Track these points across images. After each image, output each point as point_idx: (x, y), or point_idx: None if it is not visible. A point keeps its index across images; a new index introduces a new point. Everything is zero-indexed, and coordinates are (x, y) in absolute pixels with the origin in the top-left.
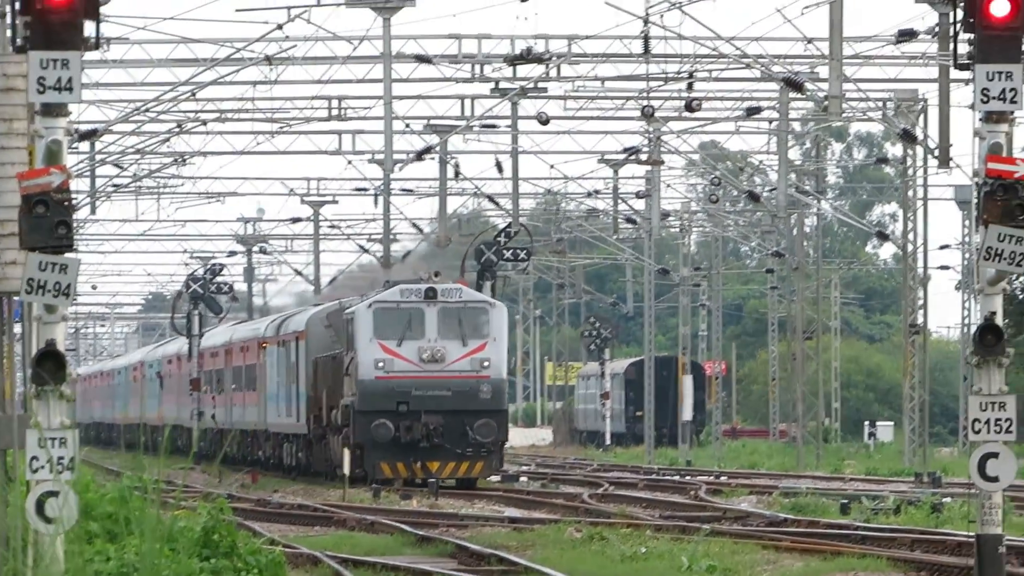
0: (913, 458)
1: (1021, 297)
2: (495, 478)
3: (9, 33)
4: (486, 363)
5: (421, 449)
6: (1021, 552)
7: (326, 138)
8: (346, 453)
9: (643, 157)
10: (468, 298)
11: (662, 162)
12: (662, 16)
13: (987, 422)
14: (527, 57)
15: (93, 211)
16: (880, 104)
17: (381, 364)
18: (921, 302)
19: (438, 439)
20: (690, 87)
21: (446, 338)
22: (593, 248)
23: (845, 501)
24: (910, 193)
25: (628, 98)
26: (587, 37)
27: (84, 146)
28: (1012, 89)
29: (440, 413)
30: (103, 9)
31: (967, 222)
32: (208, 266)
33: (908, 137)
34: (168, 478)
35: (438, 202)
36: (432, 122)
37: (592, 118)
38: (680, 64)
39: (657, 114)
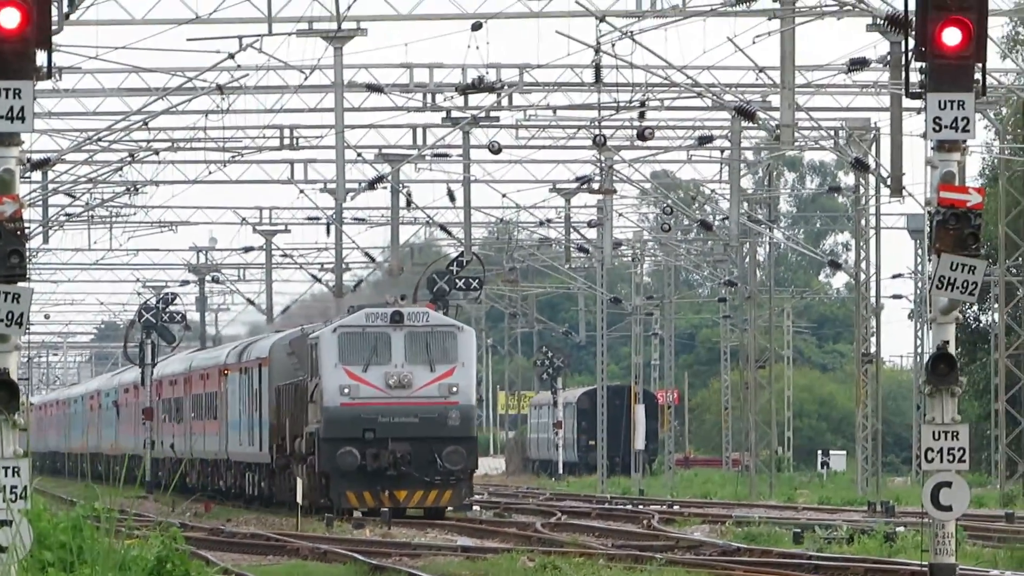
0: (866, 487)
1: (973, 326)
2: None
3: None
4: (455, 388)
5: (388, 477)
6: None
7: (278, 167)
8: (299, 482)
9: (595, 186)
10: (436, 322)
11: (614, 191)
12: (613, 45)
13: (940, 451)
14: (479, 86)
15: (46, 240)
16: (832, 133)
17: (347, 390)
18: (874, 331)
19: (406, 467)
20: (642, 116)
21: (413, 363)
22: (545, 277)
23: (798, 530)
24: (863, 222)
25: (580, 127)
26: (539, 66)
27: (37, 175)
28: (964, 118)
29: (408, 440)
30: (55, 39)
31: (920, 251)
32: (161, 295)
33: (860, 166)
34: (121, 507)
35: (390, 231)
36: (384, 151)
37: (544, 147)
38: (632, 93)
39: (609, 143)
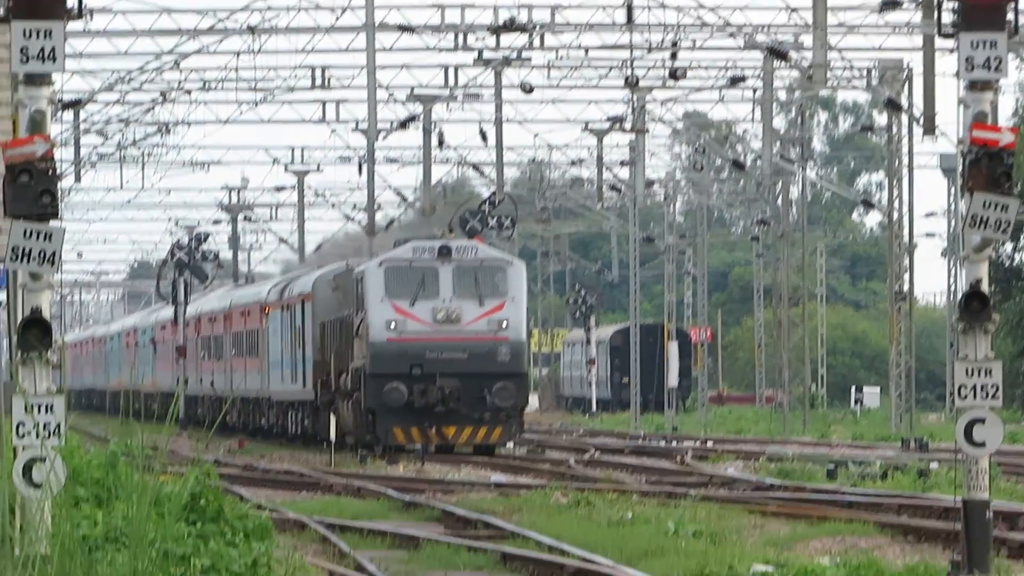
0: (899, 424)
1: (1007, 264)
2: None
3: None
4: (504, 324)
5: (436, 414)
6: (1008, 517)
7: (310, 107)
8: (332, 418)
9: (627, 126)
10: (485, 255)
11: (646, 130)
12: None
13: (973, 388)
14: (510, 26)
15: (78, 179)
16: (865, 73)
17: (393, 325)
18: (907, 269)
19: (454, 403)
20: (674, 56)
21: (462, 297)
22: (577, 216)
23: (831, 466)
24: (896, 161)
25: (612, 67)
26: (570, 6)
27: (68, 115)
28: (997, 57)
29: (456, 376)
30: None
31: (953, 190)
32: (193, 234)
33: (893, 106)
34: (155, 444)
35: (422, 171)
36: (416, 91)
37: (576, 87)
38: (664, 33)
39: (641, 83)
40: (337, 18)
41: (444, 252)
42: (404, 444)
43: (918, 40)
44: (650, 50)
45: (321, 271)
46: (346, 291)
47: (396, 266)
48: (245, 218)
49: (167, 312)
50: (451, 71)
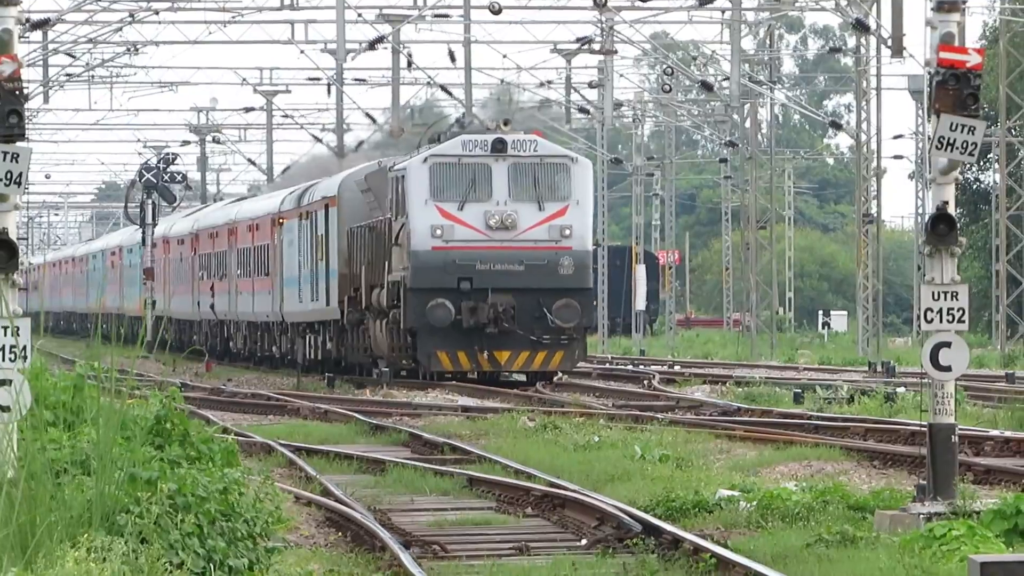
0: (867, 348)
1: (974, 187)
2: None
3: None
4: (567, 231)
5: (488, 336)
6: (973, 441)
7: (278, 28)
8: (299, 341)
9: (595, 47)
10: (545, 152)
11: (615, 52)
12: None
13: (940, 311)
14: None
15: (46, 100)
16: None
17: (439, 231)
18: (875, 192)
19: (508, 324)
20: None
21: (518, 200)
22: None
23: (798, 391)
24: (864, 83)
25: None
26: None
27: (36, 35)
28: None
29: (511, 292)
30: None
31: (920, 112)
32: (161, 155)
33: (861, 27)
34: (122, 367)
35: (391, 92)
36: (384, 11)
37: (544, 7)
38: None
39: (609, 3)
40: None
41: (498, 147)
42: (450, 370)
43: None
44: None
45: (349, 171)
46: (379, 193)
47: (443, 163)
48: (213, 139)
49: (159, 228)
50: None
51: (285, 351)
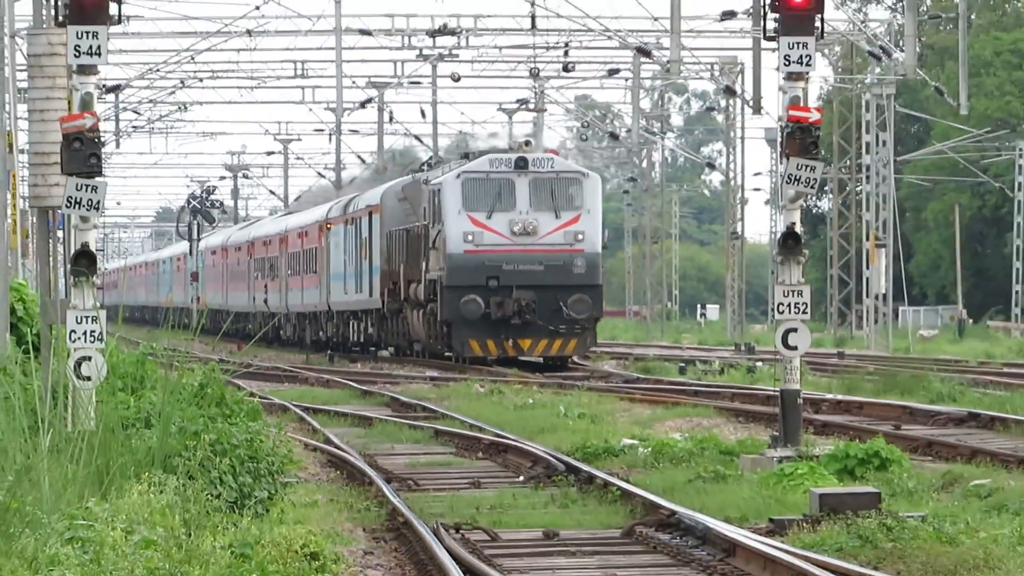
0: (733, 332)
1: (814, 211)
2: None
3: (53, 12)
4: (580, 236)
5: (512, 326)
6: (813, 403)
7: (293, 92)
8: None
9: (531, 106)
10: (561, 168)
11: (545, 110)
12: (545, 0)
13: (789, 305)
14: (444, 31)
15: (117, 146)
16: (709, 66)
17: (470, 237)
18: (740, 215)
19: (530, 315)
20: (566, 53)
21: (538, 210)
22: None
23: (683, 364)
24: (732, 134)
25: (519, 62)
26: (489, 16)
27: (110, 97)
28: (807, 55)
29: (532, 288)
30: None
31: (774, 155)
32: (204, 187)
33: (730, 92)
34: (175, 347)
35: (377, 140)
36: (372, 79)
37: (492, 76)
38: (559, 36)
39: (541, 74)
40: (314, 24)
41: (521, 164)
42: (480, 355)
43: (749, 42)
44: (548, 49)
45: (389, 184)
46: (414, 201)
47: (473, 178)
48: (243, 175)
49: (216, 238)
50: (399, 64)
51: (331, 335)
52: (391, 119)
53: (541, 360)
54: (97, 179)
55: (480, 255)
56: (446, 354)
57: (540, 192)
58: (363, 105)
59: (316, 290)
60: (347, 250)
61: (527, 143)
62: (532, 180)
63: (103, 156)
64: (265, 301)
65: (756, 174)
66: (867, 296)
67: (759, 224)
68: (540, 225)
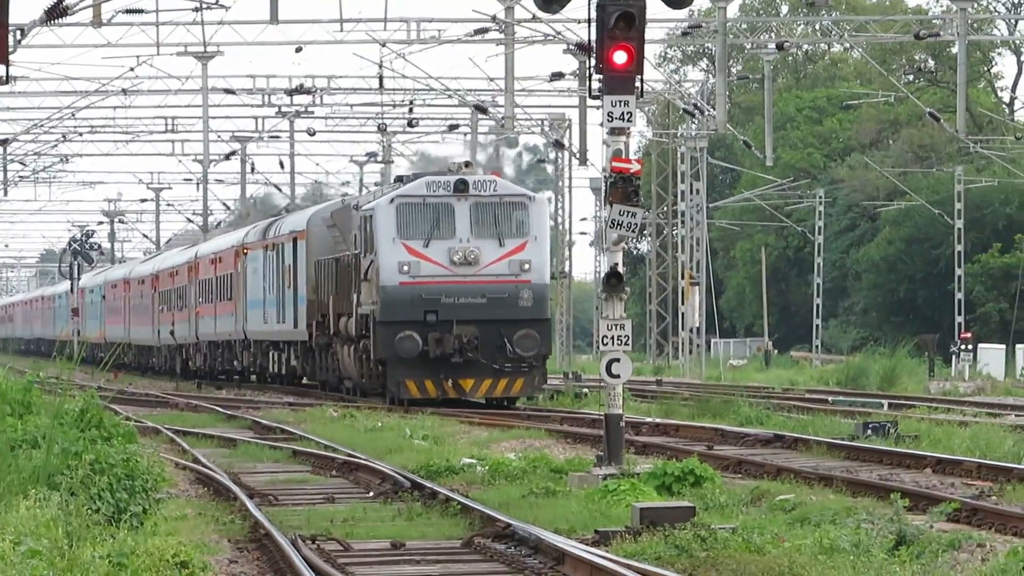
0: (562, 362)
1: (634, 253)
2: None
3: None
4: (527, 265)
5: (453, 365)
6: (634, 425)
7: (164, 144)
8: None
9: (379, 159)
10: (504, 191)
11: (392, 161)
12: (391, 62)
13: (612, 337)
14: (300, 90)
15: (5, 194)
16: (540, 122)
17: (406, 268)
18: (568, 256)
19: (472, 353)
20: (411, 110)
21: (480, 237)
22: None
23: None
24: (560, 183)
25: (368, 118)
26: (341, 76)
27: None
28: (628, 112)
29: (474, 323)
30: (11, 57)
31: (598, 202)
32: (83, 232)
33: (559, 145)
34: (58, 376)
35: (240, 188)
36: (236, 133)
37: (345, 131)
38: (404, 95)
39: (388, 129)
40: (182, 84)
41: (460, 187)
42: (417, 397)
43: (575, 100)
44: (395, 106)
45: (316, 208)
46: (343, 228)
47: (408, 203)
48: (119, 220)
49: (117, 272)
50: (260, 120)
51: (248, 364)
52: (253, 169)
53: (483, 402)
54: None
55: (417, 287)
56: (379, 393)
57: (482, 217)
58: (227, 157)
59: (231, 317)
60: (267, 276)
61: (467, 164)
62: (473, 204)
63: None
64: (172, 333)
65: (582, 219)
66: (682, 329)
67: (585, 264)
68: (482, 254)
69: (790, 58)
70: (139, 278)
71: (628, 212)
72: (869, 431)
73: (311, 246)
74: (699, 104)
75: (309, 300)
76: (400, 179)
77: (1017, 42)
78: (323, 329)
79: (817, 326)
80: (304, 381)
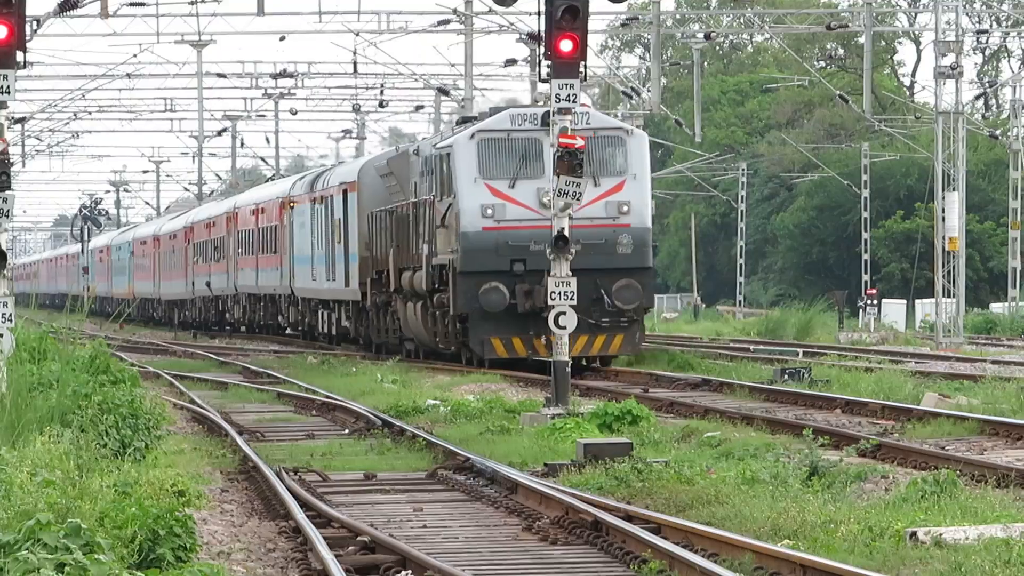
0: None
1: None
2: None
3: None
4: (625, 207)
5: (544, 320)
6: (576, 369)
7: (163, 123)
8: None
9: (354, 135)
10: (599, 124)
11: (365, 138)
12: (364, 49)
13: (559, 293)
14: (284, 74)
15: (23, 165)
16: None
17: (490, 211)
18: None
19: None
20: (382, 93)
21: None
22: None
23: None
24: None
25: (344, 99)
26: (320, 62)
27: (18, 127)
28: (574, 94)
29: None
30: (28, 45)
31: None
32: (93, 199)
33: None
34: (70, 327)
35: (231, 161)
36: (227, 113)
37: (323, 111)
38: (376, 79)
39: (362, 109)
40: (179, 69)
41: (549, 120)
42: (504, 357)
43: (527, 84)
44: (367, 89)
45: (367, 158)
46: (401, 177)
47: (492, 138)
48: (124, 190)
49: (147, 229)
50: (248, 101)
51: (294, 321)
52: (242, 144)
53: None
54: (7, 192)
55: (502, 233)
56: (453, 355)
57: None
58: (220, 133)
59: (275, 271)
60: (315, 231)
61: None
62: None
63: (12, 174)
64: (208, 284)
65: None
66: None
67: None
68: None
69: (717, 47)
70: (170, 233)
71: (573, 183)
72: (786, 376)
73: (363, 198)
74: (636, 87)
75: (362, 256)
76: (466, 120)
77: (916, 32)
78: (379, 287)
79: (740, 283)
80: (359, 343)
